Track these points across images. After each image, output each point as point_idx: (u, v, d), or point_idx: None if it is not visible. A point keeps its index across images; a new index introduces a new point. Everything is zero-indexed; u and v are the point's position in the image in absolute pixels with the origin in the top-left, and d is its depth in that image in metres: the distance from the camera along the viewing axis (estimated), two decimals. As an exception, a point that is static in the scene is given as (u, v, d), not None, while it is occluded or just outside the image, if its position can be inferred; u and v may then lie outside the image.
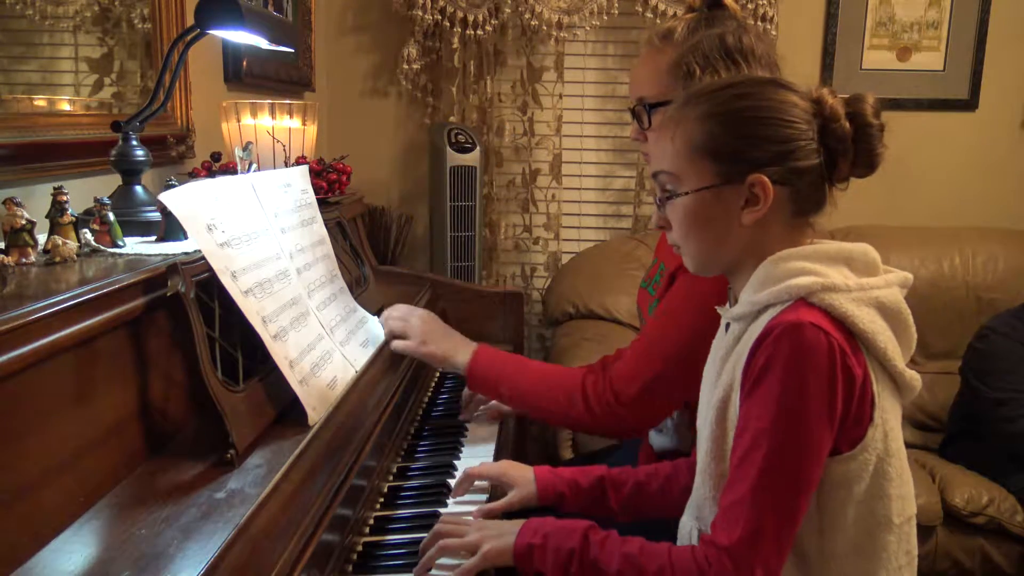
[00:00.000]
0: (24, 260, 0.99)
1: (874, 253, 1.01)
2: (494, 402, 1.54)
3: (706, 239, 1.02)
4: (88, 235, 1.10)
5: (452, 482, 1.26)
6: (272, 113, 1.66)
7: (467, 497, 1.22)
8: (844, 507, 0.96)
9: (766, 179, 0.97)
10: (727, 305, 1.06)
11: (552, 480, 1.21)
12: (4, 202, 1.00)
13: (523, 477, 1.21)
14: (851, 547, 0.97)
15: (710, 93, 1.02)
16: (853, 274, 0.98)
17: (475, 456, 1.37)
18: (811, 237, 1.02)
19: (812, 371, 0.90)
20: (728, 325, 1.04)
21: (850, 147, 0.98)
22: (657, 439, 1.46)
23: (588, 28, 2.76)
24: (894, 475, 0.98)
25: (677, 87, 1.26)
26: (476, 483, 1.24)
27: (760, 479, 0.91)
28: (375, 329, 1.48)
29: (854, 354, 0.93)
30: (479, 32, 2.72)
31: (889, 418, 0.97)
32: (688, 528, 1.06)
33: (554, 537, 1.01)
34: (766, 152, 0.97)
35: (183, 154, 1.71)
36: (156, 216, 1.24)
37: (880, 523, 0.98)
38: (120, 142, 1.32)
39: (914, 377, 1.00)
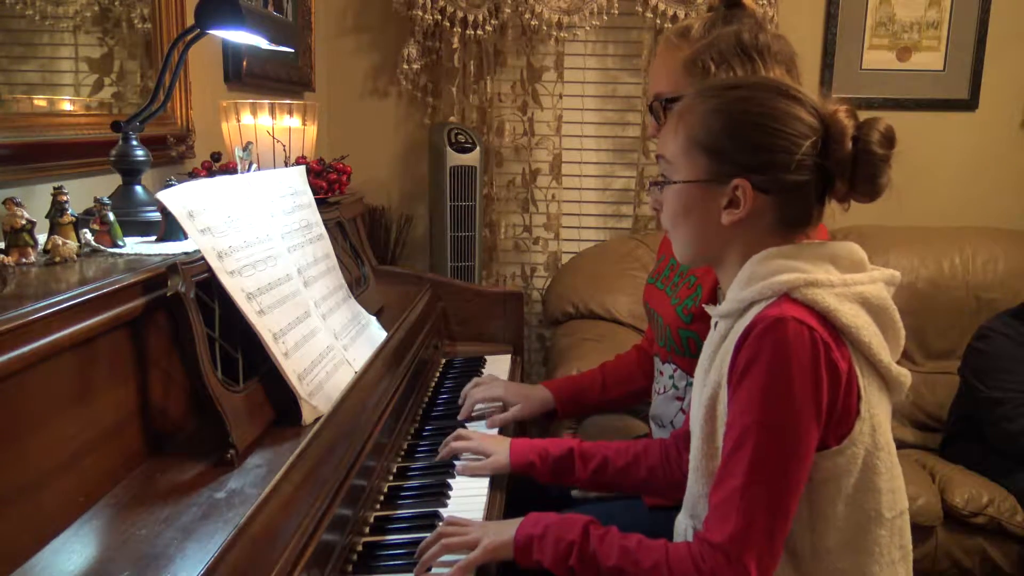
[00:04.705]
0: (24, 260, 0.99)
1: (860, 252, 1.02)
2: (496, 407, 1.55)
3: (688, 230, 1.05)
4: (88, 235, 1.10)
5: (452, 482, 1.26)
6: (272, 113, 1.66)
7: (467, 506, 1.21)
8: (834, 502, 0.97)
9: (748, 184, 0.98)
10: (716, 303, 1.07)
11: (524, 448, 1.28)
12: (4, 202, 1.00)
13: (498, 446, 1.30)
14: (843, 542, 0.98)
15: (719, 90, 1.03)
16: (838, 271, 0.98)
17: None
18: (800, 240, 1.02)
19: (796, 365, 0.91)
20: (716, 323, 1.05)
21: (848, 170, 0.97)
22: (658, 434, 1.47)
23: (588, 28, 2.76)
24: (883, 469, 0.98)
25: (692, 83, 1.27)
26: (474, 484, 1.25)
27: (749, 474, 0.91)
28: (375, 330, 1.48)
29: (838, 348, 0.94)
30: (479, 32, 2.72)
31: (877, 412, 0.97)
32: (683, 526, 1.07)
33: (554, 529, 1.02)
34: (755, 158, 0.98)
35: (183, 154, 1.71)
36: (156, 216, 1.24)
37: (871, 517, 0.98)
38: (120, 142, 1.32)
39: (902, 373, 1.00)
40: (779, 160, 0.97)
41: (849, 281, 0.97)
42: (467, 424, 1.50)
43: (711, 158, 1.00)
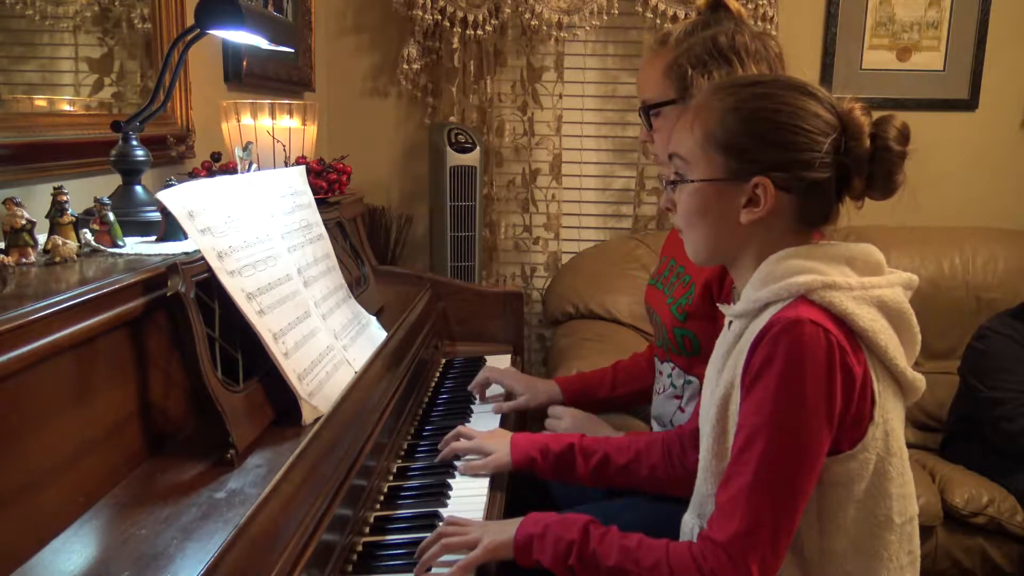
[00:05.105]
0: (24, 260, 0.99)
1: (878, 254, 1.01)
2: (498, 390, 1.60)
3: (704, 229, 1.03)
4: (88, 235, 1.10)
5: (452, 482, 1.26)
6: (272, 113, 1.66)
7: (467, 506, 1.21)
8: (844, 506, 0.96)
9: (769, 183, 0.96)
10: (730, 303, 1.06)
11: (525, 445, 1.28)
12: (4, 202, 1.00)
13: (499, 443, 1.30)
14: (852, 546, 0.97)
15: (737, 88, 1.02)
16: (855, 273, 0.97)
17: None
18: (816, 240, 1.02)
19: (810, 368, 0.90)
20: (731, 323, 1.04)
21: (866, 168, 0.97)
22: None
23: (588, 28, 2.75)
24: (895, 474, 0.97)
25: (672, 89, 1.29)
26: (474, 484, 1.25)
27: (757, 475, 0.91)
28: (375, 330, 1.48)
29: (854, 352, 0.93)
30: (479, 32, 2.72)
31: (891, 417, 0.97)
32: (690, 526, 1.06)
33: (554, 528, 1.02)
34: (775, 156, 0.97)
35: (183, 154, 1.71)
36: (156, 216, 1.24)
37: (881, 523, 0.98)
38: (120, 142, 1.32)
39: (917, 378, 0.99)
40: (801, 158, 0.96)
41: (867, 284, 0.96)
42: (468, 422, 1.50)
43: (729, 156, 0.99)
